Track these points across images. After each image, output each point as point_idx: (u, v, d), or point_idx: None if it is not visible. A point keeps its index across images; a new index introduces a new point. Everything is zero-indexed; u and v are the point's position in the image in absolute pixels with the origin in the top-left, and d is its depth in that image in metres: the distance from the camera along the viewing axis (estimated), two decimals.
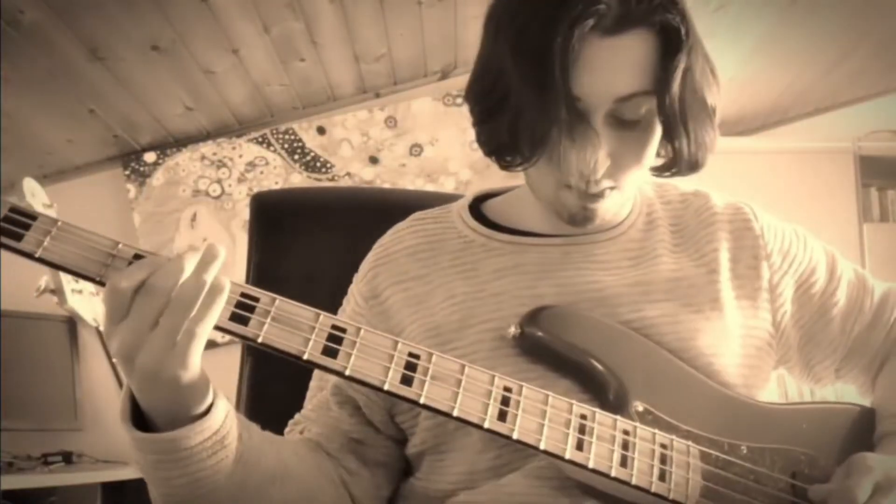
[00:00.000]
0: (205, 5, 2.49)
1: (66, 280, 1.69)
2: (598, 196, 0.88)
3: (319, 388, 0.98)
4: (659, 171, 0.91)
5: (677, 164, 0.88)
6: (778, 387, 1.01)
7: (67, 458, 2.88)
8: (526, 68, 0.82)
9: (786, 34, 3.18)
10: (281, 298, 0.74)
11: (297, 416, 0.99)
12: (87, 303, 1.74)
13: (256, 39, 2.78)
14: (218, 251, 0.70)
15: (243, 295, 0.72)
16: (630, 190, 0.92)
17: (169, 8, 2.46)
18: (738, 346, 0.93)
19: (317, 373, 1.00)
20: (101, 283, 0.69)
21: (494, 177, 3.42)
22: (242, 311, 0.72)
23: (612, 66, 0.82)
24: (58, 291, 1.67)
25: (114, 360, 0.74)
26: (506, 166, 0.90)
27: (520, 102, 0.83)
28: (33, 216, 0.69)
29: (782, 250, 0.98)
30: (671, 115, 0.83)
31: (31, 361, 3.00)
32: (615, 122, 0.84)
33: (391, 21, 2.89)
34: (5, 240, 0.68)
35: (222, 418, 0.75)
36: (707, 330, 0.91)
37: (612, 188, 0.88)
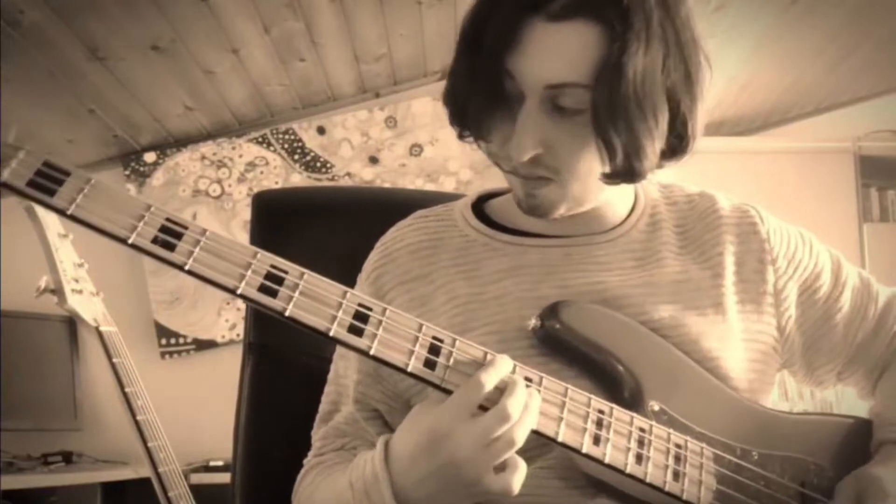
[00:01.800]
0: (205, 5, 2.49)
1: (66, 280, 1.69)
2: (534, 184, 0.87)
3: (338, 394, 0.98)
4: (605, 178, 0.87)
5: (613, 169, 0.84)
6: (778, 387, 1.01)
7: (67, 458, 2.88)
8: (465, 41, 0.85)
9: (786, 34, 3.18)
10: (309, 273, 0.73)
11: (330, 426, 0.97)
12: (87, 303, 1.74)
13: (256, 39, 2.78)
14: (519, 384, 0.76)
15: (273, 266, 0.72)
16: (574, 188, 0.88)
17: (169, 8, 2.46)
18: (743, 349, 0.93)
19: (332, 376, 1.00)
20: (131, 246, 0.68)
21: (495, 177, 3.41)
22: (272, 282, 0.72)
23: (548, 51, 0.81)
24: (58, 291, 1.67)
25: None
26: (460, 137, 0.93)
27: (457, 72, 0.87)
28: (67, 172, 0.68)
29: (788, 255, 0.98)
30: (596, 110, 0.80)
31: (31, 361, 2.99)
32: (554, 109, 0.83)
33: (391, 21, 2.89)
34: (38, 194, 0.67)
35: None
36: (710, 333, 0.91)
37: (548, 179, 0.87)
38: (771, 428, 0.91)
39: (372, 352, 0.73)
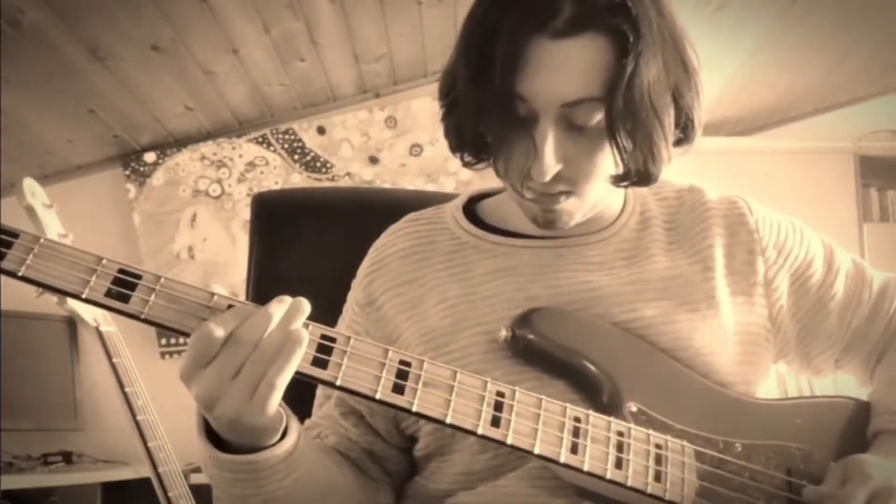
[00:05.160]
0: (205, 5, 2.49)
1: None
2: (554, 200, 0.87)
3: (326, 396, 0.98)
4: (615, 181, 0.88)
5: (627, 175, 0.85)
6: (778, 386, 1.01)
7: (67, 458, 2.88)
8: (470, 68, 0.83)
9: (786, 34, 3.18)
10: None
11: (308, 421, 0.99)
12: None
13: (256, 39, 2.78)
14: (306, 307, 0.71)
15: (230, 307, 0.72)
16: (592, 196, 0.89)
17: (169, 8, 2.46)
18: (735, 342, 0.92)
19: None
20: (85, 300, 0.69)
21: (494, 177, 3.41)
22: None
23: (559, 69, 0.80)
24: None
25: (197, 404, 0.73)
26: (465, 165, 0.92)
27: (464, 102, 0.85)
28: (15, 234, 0.69)
29: (777, 244, 0.98)
30: (612, 122, 0.80)
31: (31, 361, 2.99)
32: (568, 126, 0.83)
33: (391, 21, 2.89)
34: None
35: (296, 438, 0.76)
36: (703, 329, 0.91)
37: (568, 193, 0.87)
38: (754, 417, 0.90)
39: (338, 382, 0.73)
